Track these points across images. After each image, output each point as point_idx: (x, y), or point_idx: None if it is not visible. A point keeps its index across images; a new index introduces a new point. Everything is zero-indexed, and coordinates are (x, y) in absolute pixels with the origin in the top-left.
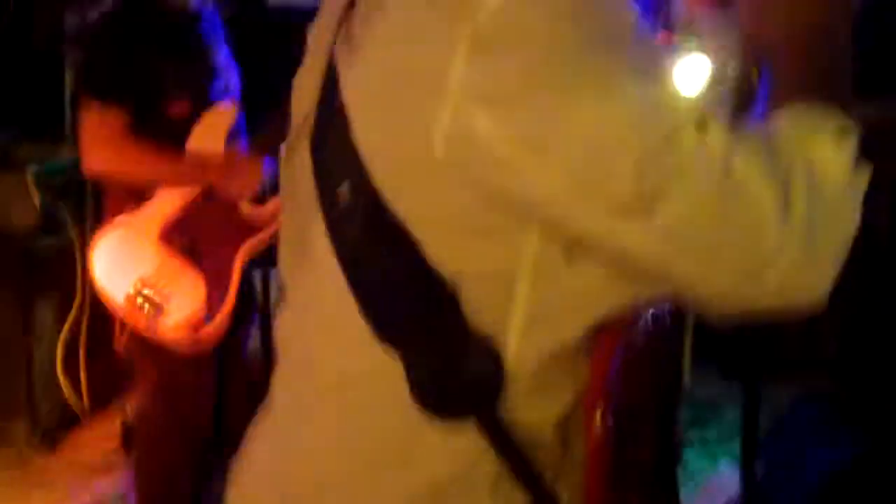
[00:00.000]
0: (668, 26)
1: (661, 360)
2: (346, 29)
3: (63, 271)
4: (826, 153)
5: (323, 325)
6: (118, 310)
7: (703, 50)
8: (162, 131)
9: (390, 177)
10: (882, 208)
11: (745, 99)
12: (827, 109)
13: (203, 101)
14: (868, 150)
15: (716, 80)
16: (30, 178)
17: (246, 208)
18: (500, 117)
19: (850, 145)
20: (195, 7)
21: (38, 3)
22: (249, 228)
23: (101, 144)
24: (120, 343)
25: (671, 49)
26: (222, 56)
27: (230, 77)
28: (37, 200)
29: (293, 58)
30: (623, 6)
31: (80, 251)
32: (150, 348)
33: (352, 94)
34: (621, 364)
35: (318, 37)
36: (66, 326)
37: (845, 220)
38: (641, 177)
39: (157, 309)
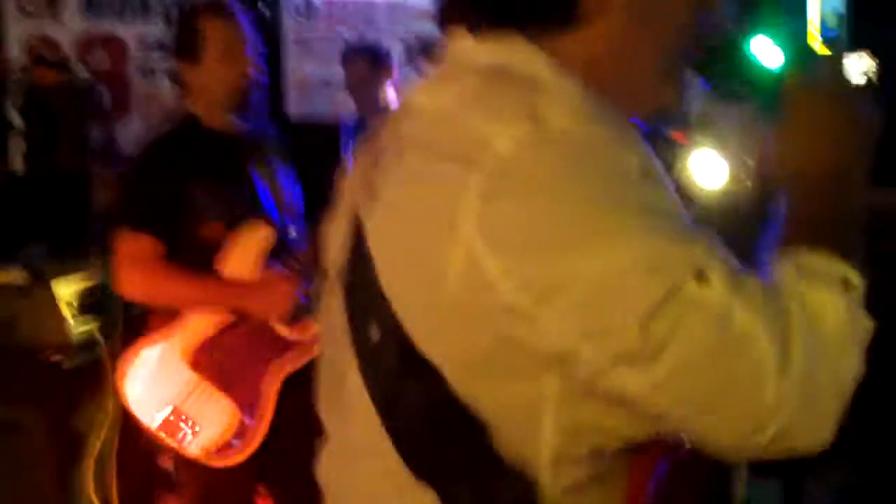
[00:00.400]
0: (684, 124)
1: (707, 472)
2: (369, 179)
3: (93, 387)
4: (828, 305)
5: (360, 465)
6: (149, 431)
7: (719, 146)
8: (196, 255)
9: (414, 318)
10: None
11: (760, 202)
12: (834, 257)
13: (238, 224)
14: (882, 234)
15: (732, 176)
16: (59, 296)
17: (279, 330)
18: (509, 265)
19: (854, 297)
20: (239, 128)
21: (62, 121)
22: (283, 350)
23: (133, 271)
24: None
25: (685, 149)
26: (278, 173)
27: (287, 193)
28: (66, 317)
29: (313, 166)
30: (631, 152)
31: (110, 367)
32: (191, 460)
33: (374, 239)
34: (665, 479)
35: (348, 186)
36: (98, 442)
37: (845, 373)
38: (644, 329)
39: (187, 432)
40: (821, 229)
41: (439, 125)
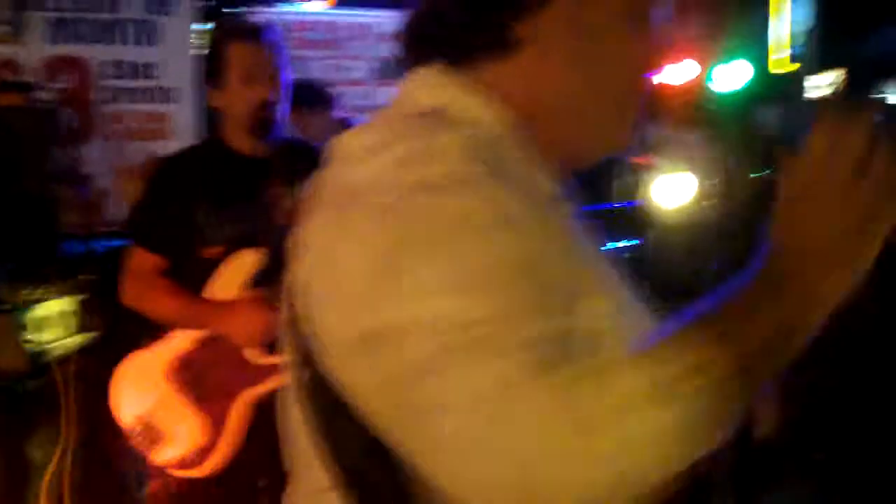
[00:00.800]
0: (646, 147)
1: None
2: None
3: (49, 412)
4: (647, 400)
5: (308, 499)
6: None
7: (687, 167)
8: (198, 274)
9: (325, 356)
10: (868, 317)
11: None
12: (707, 347)
13: (236, 247)
14: None
15: (701, 195)
16: (15, 321)
17: (251, 356)
18: (344, 312)
19: (691, 386)
20: (263, 150)
21: (25, 144)
22: (257, 375)
23: (133, 283)
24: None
25: (650, 172)
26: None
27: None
28: (23, 342)
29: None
30: (504, 199)
31: (64, 393)
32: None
33: (294, 279)
34: None
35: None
36: (51, 468)
37: (645, 459)
38: (419, 389)
39: (152, 443)
40: (747, 306)
41: (345, 168)
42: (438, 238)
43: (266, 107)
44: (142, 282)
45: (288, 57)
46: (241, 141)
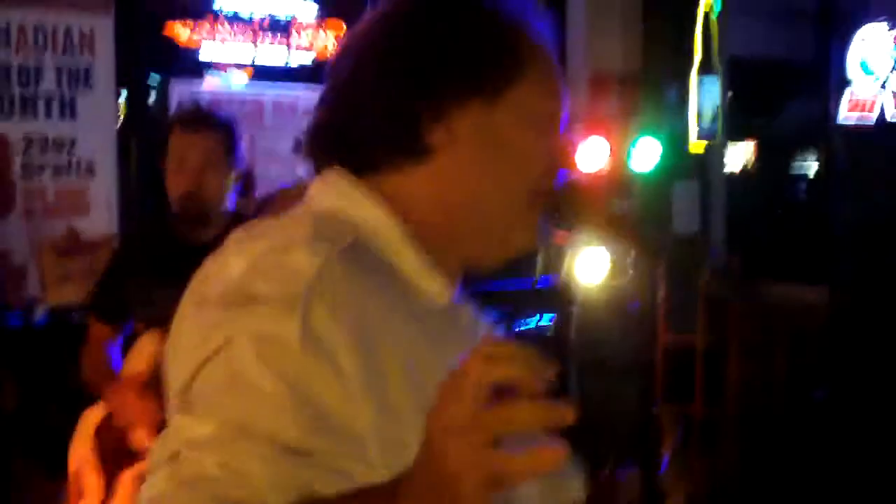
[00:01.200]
0: (565, 224)
1: None
2: None
3: None
4: None
5: None
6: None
7: (602, 242)
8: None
9: None
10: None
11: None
12: None
13: (158, 325)
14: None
15: (616, 269)
16: None
17: (135, 437)
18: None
19: None
20: (201, 237)
21: None
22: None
23: (84, 353)
24: None
25: (567, 249)
26: None
27: None
28: None
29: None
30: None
31: None
32: None
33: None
34: None
35: None
36: None
37: None
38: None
39: (77, 499)
40: None
41: (215, 262)
42: (224, 356)
43: (189, 198)
44: (88, 352)
45: (242, 146)
46: (177, 225)
